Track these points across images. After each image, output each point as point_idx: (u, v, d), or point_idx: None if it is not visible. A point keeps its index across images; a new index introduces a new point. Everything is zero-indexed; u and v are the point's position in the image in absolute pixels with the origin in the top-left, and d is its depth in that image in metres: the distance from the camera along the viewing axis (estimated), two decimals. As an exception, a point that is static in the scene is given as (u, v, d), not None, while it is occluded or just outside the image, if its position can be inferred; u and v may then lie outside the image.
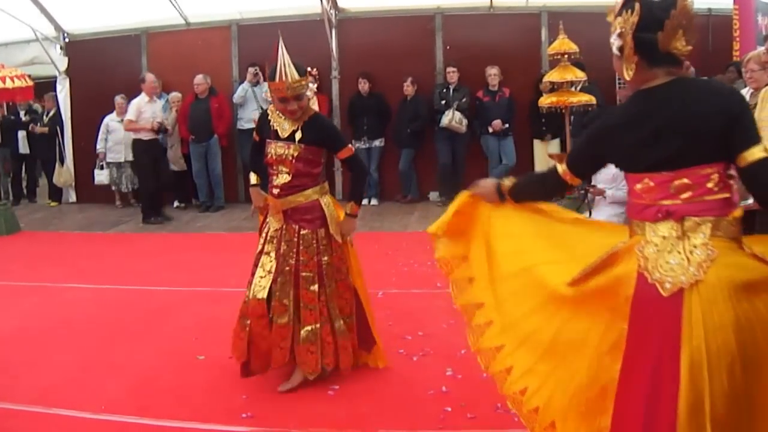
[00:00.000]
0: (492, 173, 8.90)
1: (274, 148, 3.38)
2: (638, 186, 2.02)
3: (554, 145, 8.86)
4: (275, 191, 3.40)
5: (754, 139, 1.90)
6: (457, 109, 8.61)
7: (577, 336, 2.16)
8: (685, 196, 1.93)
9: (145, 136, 8.25)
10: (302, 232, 3.38)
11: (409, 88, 8.91)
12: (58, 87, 10.07)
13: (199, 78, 8.90)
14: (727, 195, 1.94)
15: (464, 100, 8.67)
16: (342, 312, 3.48)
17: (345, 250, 3.52)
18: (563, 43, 7.11)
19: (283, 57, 3.19)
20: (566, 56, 7.07)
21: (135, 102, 8.22)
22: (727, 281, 1.84)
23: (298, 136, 3.34)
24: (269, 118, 3.45)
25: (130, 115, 8.21)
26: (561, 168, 2.23)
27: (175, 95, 9.16)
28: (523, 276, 2.35)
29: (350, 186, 3.79)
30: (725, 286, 1.83)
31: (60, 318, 4.69)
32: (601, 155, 2.13)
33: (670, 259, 1.91)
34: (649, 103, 1.98)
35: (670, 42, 1.94)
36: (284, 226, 3.40)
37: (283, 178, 3.36)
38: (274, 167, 3.40)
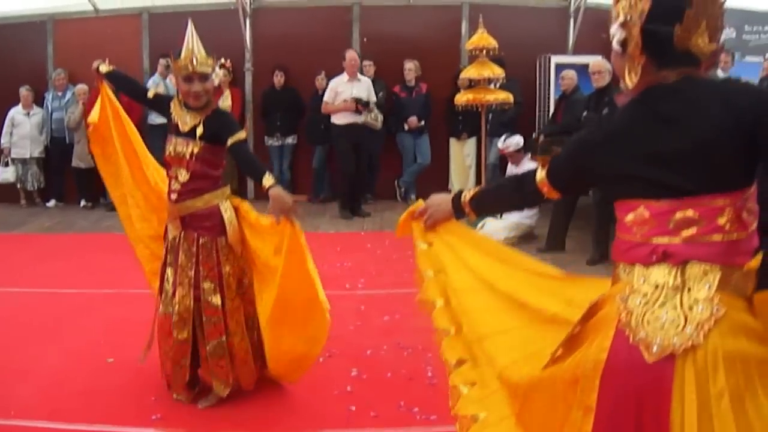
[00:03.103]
0: (406, 171, 8.93)
1: (173, 145, 3.20)
2: (629, 217, 1.60)
3: (470, 145, 8.86)
4: (173, 196, 3.21)
5: None
6: (373, 104, 8.52)
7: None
8: (687, 233, 1.52)
9: (343, 119, 7.77)
10: (201, 240, 3.20)
11: (321, 82, 8.66)
12: (-42, 77, 9.47)
13: (105, 69, 8.61)
14: (742, 236, 1.52)
15: (380, 95, 8.56)
16: (246, 327, 3.30)
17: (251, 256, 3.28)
18: (482, 38, 7.03)
19: (192, 35, 3.11)
20: (485, 52, 7.06)
21: (334, 81, 7.76)
22: (735, 352, 1.44)
23: (199, 131, 3.14)
24: (171, 111, 3.27)
25: (326, 97, 7.67)
26: (540, 175, 1.81)
27: (82, 87, 8.67)
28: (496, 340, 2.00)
29: (249, 171, 3.43)
30: (731, 358, 1.44)
31: (-38, 323, 4.52)
32: (588, 170, 1.70)
33: (661, 314, 1.50)
34: (649, 109, 1.57)
35: (690, 37, 1.51)
36: (182, 234, 3.22)
37: (180, 180, 3.19)
38: (172, 168, 3.23)
